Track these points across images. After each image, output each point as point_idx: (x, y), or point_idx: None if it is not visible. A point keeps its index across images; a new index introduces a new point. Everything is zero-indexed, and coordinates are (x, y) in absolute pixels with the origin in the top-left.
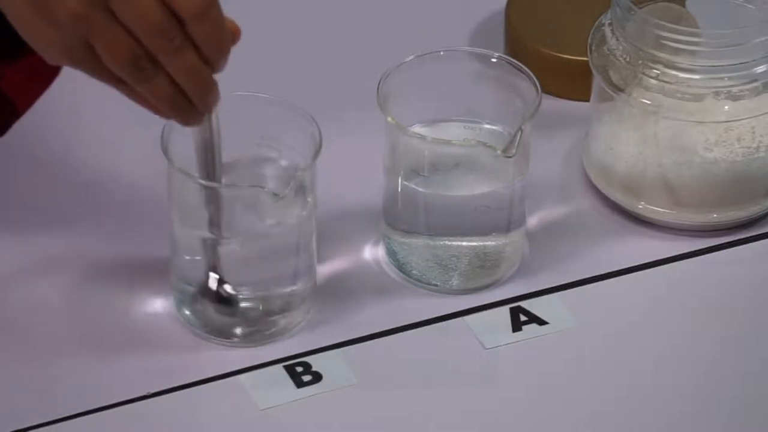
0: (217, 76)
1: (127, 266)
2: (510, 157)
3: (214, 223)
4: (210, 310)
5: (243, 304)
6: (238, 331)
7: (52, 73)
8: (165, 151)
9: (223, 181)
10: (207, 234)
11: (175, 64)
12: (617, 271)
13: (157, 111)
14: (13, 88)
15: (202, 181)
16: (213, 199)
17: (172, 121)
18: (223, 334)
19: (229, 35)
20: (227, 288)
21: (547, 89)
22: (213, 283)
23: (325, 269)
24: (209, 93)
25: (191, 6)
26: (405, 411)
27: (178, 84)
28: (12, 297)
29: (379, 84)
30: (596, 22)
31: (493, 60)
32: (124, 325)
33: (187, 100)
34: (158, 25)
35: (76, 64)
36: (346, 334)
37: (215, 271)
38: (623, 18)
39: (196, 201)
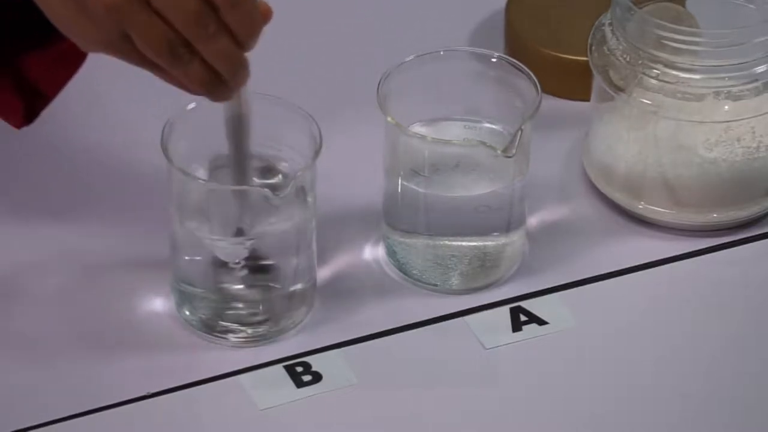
0: None
1: (127, 266)
2: (510, 157)
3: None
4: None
5: (241, 304)
6: (238, 330)
7: (78, 59)
8: (165, 150)
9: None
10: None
11: (211, 49)
12: (617, 271)
13: (190, 90)
14: (41, 76)
15: (202, 181)
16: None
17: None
18: (224, 334)
19: (260, 17)
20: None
21: (547, 89)
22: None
23: (325, 269)
24: (241, 71)
25: None
26: (405, 411)
27: (213, 66)
28: (12, 297)
29: (379, 84)
30: (596, 22)
31: (493, 60)
32: (124, 325)
33: (220, 79)
34: (193, 14)
35: (113, 52)
36: (346, 334)
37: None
38: (623, 18)
39: (195, 201)
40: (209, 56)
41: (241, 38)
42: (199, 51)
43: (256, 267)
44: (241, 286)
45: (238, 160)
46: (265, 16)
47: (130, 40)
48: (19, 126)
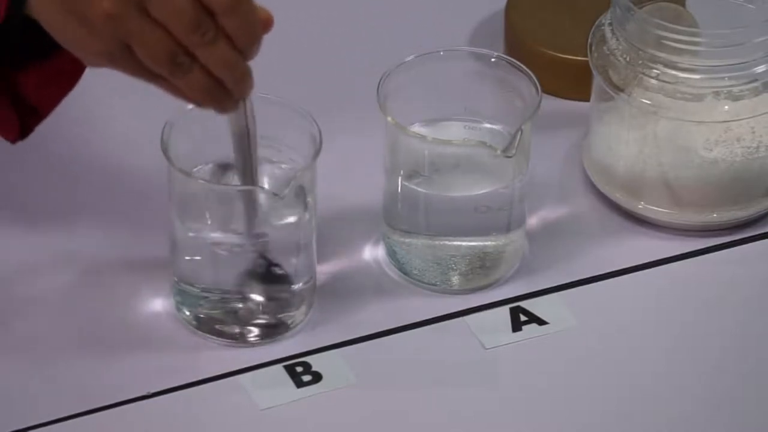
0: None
1: (127, 266)
2: (510, 157)
3: (251, 220)
4: (259, 291)
5: (241, 304)
6: (238, 330)
7: (73, 77)
8: (165, 151)
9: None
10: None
11: (210, 56)
12: (617, 271)
13: (194, 101)
14: (35, 93)
15: (201, 181)
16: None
17: (208, 109)
18: (224, 334)
19: (260, 24)
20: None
21: (547, 89)
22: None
23: (325, 269)
24: (244, 80)
25: (223, 0)
26: (405, 411)
27: (214, 74)
28: (12, 296)
29: (379, 84)
30: (596, 22)
31: (493, 60)
32: (124, 325)
33: (223, 88)
34: (192, 21)
35: (114, 64)
36: (346, 334)
37: (265, 258)
38: (623, 18)
39: (195, 201)
40: (210, 63)
41: (241, 45)
42: (200, 58)
43: (257, 267)
44: (241, 287)
45: (245, 171)
46: (266, 24)
47: (130, 50)
48: (13, 141)
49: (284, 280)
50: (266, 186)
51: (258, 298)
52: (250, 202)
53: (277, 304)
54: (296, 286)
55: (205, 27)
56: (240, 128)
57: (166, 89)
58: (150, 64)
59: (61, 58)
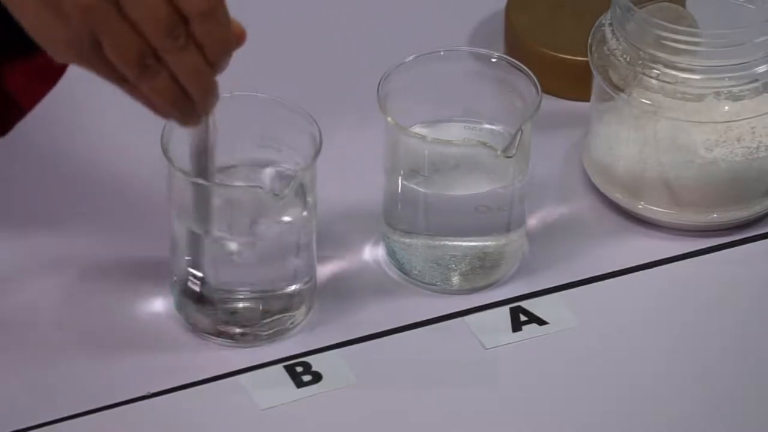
0: (218, 77)
1: (127, 266)
2: (510, 157)
3: (205, 220)
4: (191, 308)
5: (241, 304)
6: (238, 330)
7: (56, 73)
8: (165, 151)
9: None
10: (195, 230)
11: (179, 62)
12: (617, 271)
13: (157, 110)
14: (18, 88)
15: (201, 181)
16: (204, 196)
17: (172, 121)
18: (222, 334)
19: (233, 37)
20: (207, 288)
21: (547, 89)
22: (192, 283)
23: (325, 269)
24: (209, 93)
25: (198, 4)
26: (405, 411)
27: (180, 83)
28: (12, 297)
29: (379, 84)
30: (596, 22)
31: (493, 60)
32: (124, 325)
33: (187, 99)
34: (165, 23)
35: (82, 60)
36: (346, 334)
37: (197, 269)
38: (623, 18)
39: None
40: (178, 70)
41: (211, 54)
42: (169, 64)
43: (257, 267)
44: (241, 286)
45: (201, 185)
46: (239, 38)
47: (100, 48)
48: None
49: (276, 278)
50: (266, 186)
51: (257, 297)
52: (205, 200)
53: (276, 304)
54: (295, 286)
55: (178, 32)
56: (200, 143)
57: (131, 93)
58: (118, 63)
59: (44, 54)
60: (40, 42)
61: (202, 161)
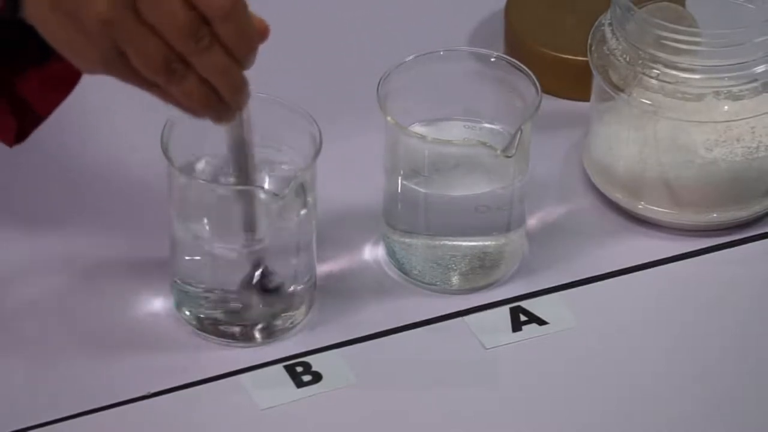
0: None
1: (127, 266)
2: (510, 157)
3: (250, 224)
4: (257, 302)
5: (241, 304)
6: (238, 330)
7: (72, 79)
8: (165, 151)
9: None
10: (243, 238)
11: (205, 63)
12: (617, 271)
13: (190, 111)
14: (34, 95)
15: (201, 181)
16: (247, 200)
17: (206, 119)
18: (224, 334)
19: (256, 32)
20: (274, 279)
21: (547, 89)
22: (258, 279)
23: (325, 269)
24: (240, 90)
25: (217, 6)
26: (405, 411)
27: (210, 83)
28: (12, 297)
29: (379, 84)
30: (596, 22)
31: (493, 60)
32: (124, 325)
33: (219, 98)
34: (186, 27)
35: (110, 70)
36: (346, 334)
37: (259, 266)
38: (623, 18)
39: (195, 201)
40: (205, 71)
41: (237, 53)
42: (195, 66)
43: (257, 267)
44: (240, 287)
45: (242, 181)
46: (262, 33)
47: (125, 57)
48: (11, 144)
49: (278, 291)
50: (266, 186)
51: (257, 297)
52: (249, 204)
53: (276, 304)
54: (295, 286)
55: (200, 33)
56: (237, 138)
57: (162, 97)
58: (145, 71)
59: (59, 62)
60: (67, 56)
61: (241, 157)
